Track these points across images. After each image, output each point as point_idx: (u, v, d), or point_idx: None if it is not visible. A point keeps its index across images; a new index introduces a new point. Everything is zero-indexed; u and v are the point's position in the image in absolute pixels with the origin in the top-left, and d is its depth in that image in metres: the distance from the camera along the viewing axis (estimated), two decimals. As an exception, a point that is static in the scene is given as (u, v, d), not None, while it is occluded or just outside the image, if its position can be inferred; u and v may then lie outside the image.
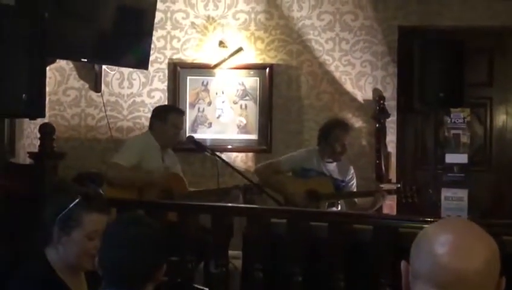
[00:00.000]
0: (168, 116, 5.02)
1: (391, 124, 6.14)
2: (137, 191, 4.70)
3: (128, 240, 2.14)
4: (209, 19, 6.28)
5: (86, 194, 2.52)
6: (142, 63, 5.89)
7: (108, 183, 4.69)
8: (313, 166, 5.22)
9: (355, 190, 5.37)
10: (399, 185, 5.26)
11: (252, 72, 6.24)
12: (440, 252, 1.46)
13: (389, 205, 5.57)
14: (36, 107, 3.95)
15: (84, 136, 6.34)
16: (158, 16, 6.08)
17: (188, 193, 4.97)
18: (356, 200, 5.29)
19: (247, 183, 4.83)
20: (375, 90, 6.17)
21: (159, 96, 6.31)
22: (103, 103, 6.17)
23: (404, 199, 5.15)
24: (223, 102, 6.25)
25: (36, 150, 4.29)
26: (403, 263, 1.56)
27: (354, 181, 5.36)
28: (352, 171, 5.37)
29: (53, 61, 5.71)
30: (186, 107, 6.12)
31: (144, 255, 2.14)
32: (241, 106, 6.25)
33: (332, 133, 5.19)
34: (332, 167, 5.26)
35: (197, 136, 5.56)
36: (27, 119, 4.94)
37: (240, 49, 6.13)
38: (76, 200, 2.47)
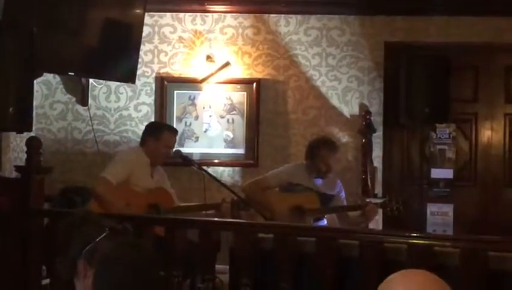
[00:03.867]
0: (161, 134, 4.99)
1: (377, 139, 6.17)
2: (125, 205, 4.68)
3: (126, 264, 2.14)
4: (196, 33, 6.31)
5: (114, 228, 2.48)
6: (129, 77, 5.88)
7: (95, 198, 4.67)
8: (300, 180, 5.21)
9: (345, 201, 5.38)
10: (385, 199, 5.28)
11: (239, 87, 6.26)
12: None
13: (375, 220, 5.58)
14: (23, 121, 3.95)
15: (70, 150, 6.33)
16: (146, 30, 6.09)
17: (176, 207, 4.96)
18: (350, 214, 5.29)
19: (235, 199, 4.83)
20: (362, 105, 6.21)
21: (146, 110, 6.32)
22: (90, 116, 6.17)
23: (390, 212, 5.16)
24: (210, 116, 6.26)
25: (23, 163, 4.28)
26: None
27: (343, 193, 5.36)
28: (339, 184, 5.38)
29: (40, 75, 5.70)
30: (173, 122, 6.14)
31: (143, 278, 2.15)
32: (228, 120, 6.26)
33: (319, 153, 5.18)
34: (319, 182, 5.26)
35: (184, 150, 5.56)
36: (13, 133, 4.93)
37: (227, 64, 6.15)
38: (104, 234, 2.43)
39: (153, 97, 6.33)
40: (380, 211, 5.38)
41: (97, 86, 6.32)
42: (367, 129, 6.08)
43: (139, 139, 5.96)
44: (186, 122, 6.26)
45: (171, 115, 6.24)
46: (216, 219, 4.63)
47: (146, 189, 4.86)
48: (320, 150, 5.20)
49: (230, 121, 6.26)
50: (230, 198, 4.87)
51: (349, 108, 6.24)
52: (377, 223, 5.65)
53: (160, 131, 5.05)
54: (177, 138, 5.98)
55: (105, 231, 2.41)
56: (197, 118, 6.27)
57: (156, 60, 6.34)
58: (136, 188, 4.81)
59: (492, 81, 6.33)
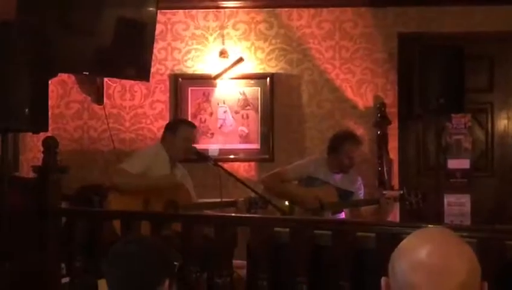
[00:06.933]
0: (178, 128, 5.05)
1: (393, 131, 6.15)
2: (143, 202, 4.72)
3: (127, 258, 2.22)
4: (209, 29, 6.31)
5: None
6: (143, 74, 5.90)
7: (115, 189, 4.71)
8: (319, 175, 5.21)
9: None
10: (402, 191, 5.26)
11: (252, 82, 6.26)
12: (415, 281, 1.43)
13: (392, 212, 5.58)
14: (39, 121, 3.97)
15: (86, 149, 6.36)
16: (159, 27, 6.10)
17: (193, 204, 4.99)
18: (362, 209, 5.27)
19: (252, 196, 4.84)
20: (376, 98, 6.19)
21: (161, 107, 6.34)
22: (105, 115, 6.20)
23: (409, 206, 5.14)
24: (224, 112, 6.27)
25: (40, 163, 4.31)
26: (383, 280, 1.53)
27: (362, 192, 5.34)
28: (360, 181, 5.35)
29: (55, 75, 5.73)
30: (188, 118, 6.14)
31: (143, 271, 2.21)
32: (242, 115, 6.27)
33: (342, 146, 5.16)
34: (339, 177, 5.25)
35: (199, 146, 5.57)
36: (30, 133, 4.96)
37: (240, 59, 6.15)
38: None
39: (167, 94, 6.35)
40: (397, 203, 5.37)
41: (112, 85, 6.34)
42: (382, 121, 6.05)
43: (154, 137, 6.02)
44: (201, 119, 6.27)
45: (185, 112, 6.26)
46: (232, 214, 4.65)
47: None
48: (343, 144, 5.18)
49: (245, 116, 6.26)
50: (248, 196, 4.89)
51: (364, 100, 6.22)
52: (394, 215, 5.64)
53: (177, 125, 5.13)
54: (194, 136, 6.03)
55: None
56: (211, 114, 6.28)
57: (169, 57, 6.35)
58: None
59: (508, 70, 6.29)
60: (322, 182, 5.21)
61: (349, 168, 5.22)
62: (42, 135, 4.42)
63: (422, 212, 5.35)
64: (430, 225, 3.51)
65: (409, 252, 1.47)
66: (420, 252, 1.45)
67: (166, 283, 2.25)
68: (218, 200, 5.12)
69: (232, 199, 4.97)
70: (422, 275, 1.42)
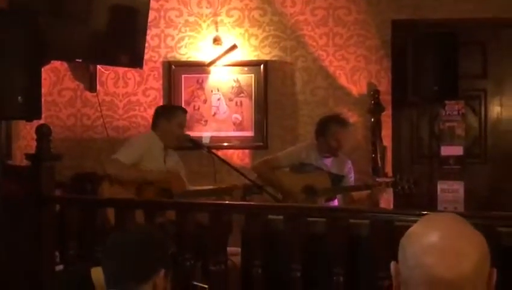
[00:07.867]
0: (173, 115, 5.05)
1: (386, 118, 6.15)
2: (136, 190, 4.71)
3: (123, 248, 2.24)
4: (202, 16, 6.29)
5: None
6: (136, 62, 5.90)
7: (108, 180, 4.71)
8: (311, 161, 5.22)
9: (352, 183, 5.38)
10: (396, 178, 5.27)
11: (246, 69, 6.25)
12: (427, 262, 1.42)
13: (386, 199, 5.58)
14: (32, 109, 3.96)
15: (80, 136, 6.35)
16: (151, 14, 6.08)
17: (188, 191, 4.99)
18: (354, 195, 5.29)
19: (247, 183, 4.84)
20: (370, 85, 6.18)
21: (154, 95, 6.32)
22: (98, 102, 6.18)
23: (401, 191, 5.16)
24: (218, 99, 6.26)
25: (33, 151, 4.30)
26: (392, 264, 1.52)
27: (352, 175, 5.36)
28: (349, 165, 5.37)
29: (47, 62, 5.71)
30: (181, 105, 6.13)
31: (139, 261, 2.22)
32: (236, 102, 6.26)
33: (328, 129, 5.19)
34: (329, 161, 5.26)
35: (193, 134, 5.58)
36: (23, 121, 4.95)
37: (234, 46, 6.13)
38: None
39: (160, 82, 6.33)
40: (391, 190, 5.38)
41: (105, 72, 6.32)
42: (376, 108, 6.05)
43: (147, 124, 5.99)
44: (194, 106, 6.26)
45: (179, 99, 6.24)
46: (227, 201, 4.66)
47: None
48: (329, 126, 5.20)
49: (239, 103, 6.25)
50: (243, 183, 4.89)
51: (358, 87, 6.22)
52: (388, 202, 5.65)
53: (171, 111, 5.13)
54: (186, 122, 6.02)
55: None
56: (205, 101, 6.27)
57: (162, 44, 6.33)
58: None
59: (501, 57, 6.28)
60: (314, 168, 5.21)
61: (337, 151, 5.22)
62: (35, 123, 4.41)
63: (416, 199, 5.37)
64: (424, 211, 3.53)
65: (420, 237, 1.47)
66: (431, 236, 1.45)
67: (162, 272, 2.25)
68: (212, 187, 5.13)
69: (227, 186, 4.97)
70: (435, 256, 1.42)
